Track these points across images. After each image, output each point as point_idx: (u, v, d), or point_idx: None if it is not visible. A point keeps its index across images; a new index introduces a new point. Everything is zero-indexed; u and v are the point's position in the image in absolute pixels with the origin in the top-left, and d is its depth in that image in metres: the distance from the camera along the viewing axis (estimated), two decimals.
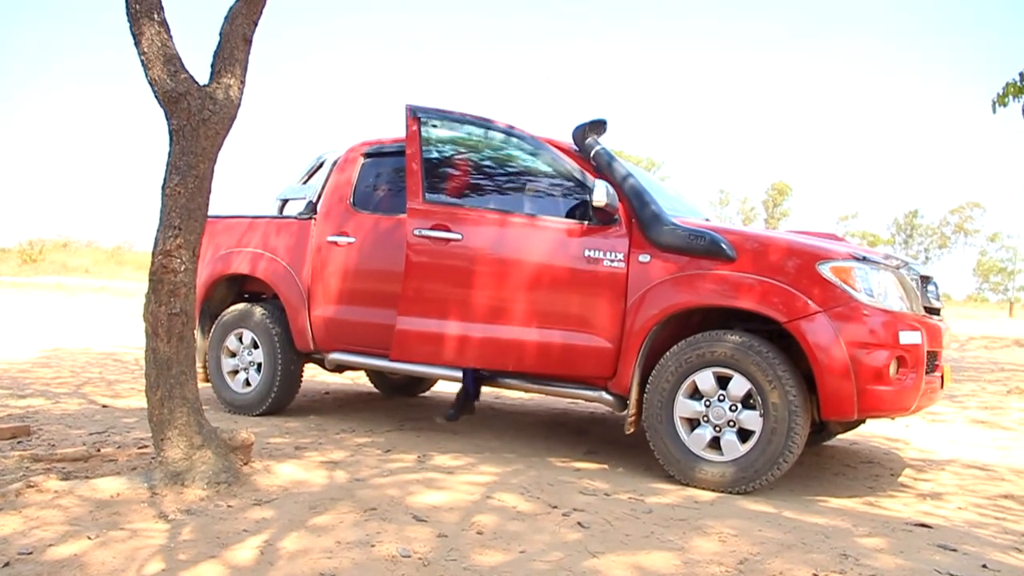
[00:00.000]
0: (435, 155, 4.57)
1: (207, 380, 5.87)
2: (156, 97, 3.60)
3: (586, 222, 4.39)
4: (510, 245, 4.43)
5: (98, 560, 2.68)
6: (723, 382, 4.01)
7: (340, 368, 5.73)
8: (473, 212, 4.50)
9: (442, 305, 4.45)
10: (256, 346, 5.68)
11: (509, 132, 4.62)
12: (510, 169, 4.70)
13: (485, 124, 4.64)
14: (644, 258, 4.27)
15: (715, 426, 4.02)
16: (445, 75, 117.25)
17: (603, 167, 4.55)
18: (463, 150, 4.66)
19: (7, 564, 2.59)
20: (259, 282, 5.83)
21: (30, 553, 2.69)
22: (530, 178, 4.68)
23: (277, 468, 3.91)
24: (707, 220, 5.22)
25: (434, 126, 4.57)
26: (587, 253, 4.34)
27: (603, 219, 4.36)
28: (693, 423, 4.10)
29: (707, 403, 4.04)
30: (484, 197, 4.66)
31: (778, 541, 3.14)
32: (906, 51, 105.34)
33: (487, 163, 4.71)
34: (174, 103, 3.57)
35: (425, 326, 4.42)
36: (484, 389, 4.96)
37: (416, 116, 4.55)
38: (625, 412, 4.34)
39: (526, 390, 4.79)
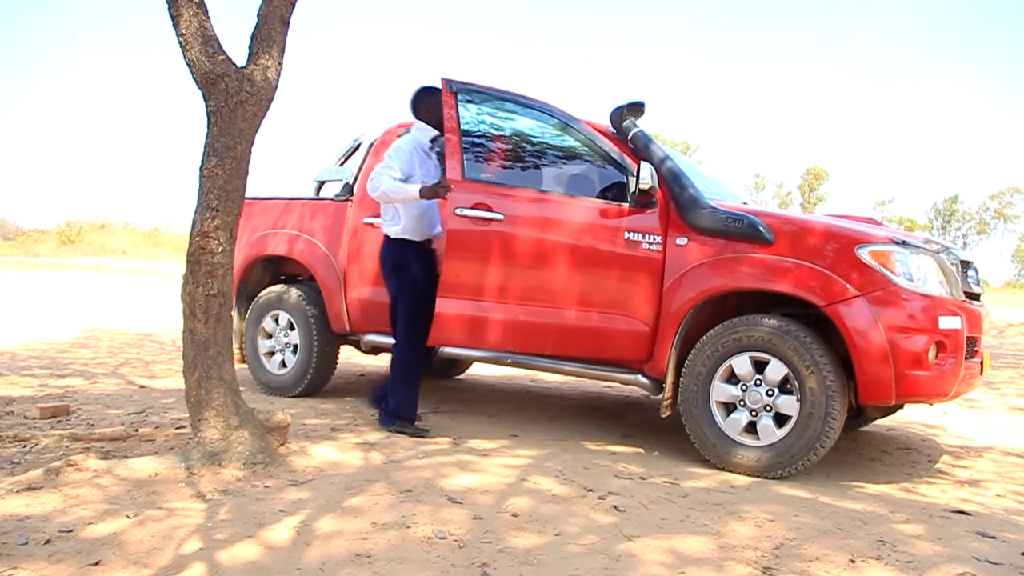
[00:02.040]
0: (472, 131, 4.50)
1: (243, 361, 5.91)
2: (194, 78, 3.62)
3: (626, 204, 4.36)
4: (551, 226, 4.36)
5: (136, 538, 2.71)
6: (760, 366, 3.97)
7: (376, 350, 5.74)
8: (513, 191, 4.39)
9: (483, 287, 4.35)
10: (292, 327, 5.71)
11: (546, 110, 4.56)
12: (547, 148, 4.65)
13: (521, 100, 4.55)
14: (681, 241, 4.24)
15: (751, 410, 3.98)
16: (483, 57, 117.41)
17: (641, 149, 4.51)
18: (500, 127, 4.58)
19: (48, 541, 2.64)
20: (295, 264, 5.85)
21: (70, 531, 2.73)
22: (568, 158, 4.64)
23: (313, 449, 3.94)
24: (745, 203, 5.17)
25: (470, 101, 4.51)
26: (627, 236, 4.30)
27: (643, 202, 4.32)
28: (729, 407, 4.07)
29: (743, 387, 4.01)
30: (522, 175, 4.59)
31: (814, 527, 3.12)
32: (947, 32, 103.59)
33: (524, 141, 4.66)
34: (212, 84, 3.58)
35: (464, 308, 4.32)
36: (518, 372, 4.94)
37: (452, 90, 4.49)
38: (661, 396, 4.31)
39: (563, 373, 4.77)
